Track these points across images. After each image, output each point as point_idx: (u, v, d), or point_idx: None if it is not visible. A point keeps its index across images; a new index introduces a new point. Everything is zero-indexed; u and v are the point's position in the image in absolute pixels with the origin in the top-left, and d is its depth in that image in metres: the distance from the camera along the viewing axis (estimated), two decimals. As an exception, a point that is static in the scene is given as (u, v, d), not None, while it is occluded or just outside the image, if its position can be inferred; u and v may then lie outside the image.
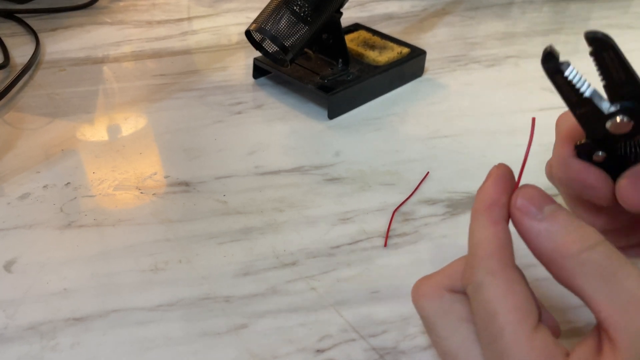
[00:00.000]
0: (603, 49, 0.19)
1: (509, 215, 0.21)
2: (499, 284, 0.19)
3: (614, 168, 0.22)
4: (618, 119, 0.20)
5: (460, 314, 0.21)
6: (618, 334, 0.18)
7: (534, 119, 0.21)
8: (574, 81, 0.20)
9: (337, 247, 0.33)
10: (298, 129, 0.44)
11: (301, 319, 0.29)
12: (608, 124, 0.21)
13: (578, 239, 0.19)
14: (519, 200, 0.21)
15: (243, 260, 0.32)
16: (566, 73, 0.20)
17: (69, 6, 0.62)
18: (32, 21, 0.58)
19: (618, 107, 0.20)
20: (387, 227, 0.35)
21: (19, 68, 0.49)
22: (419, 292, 0.23)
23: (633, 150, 0.21)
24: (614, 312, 0.18)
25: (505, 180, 0.22)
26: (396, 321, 0.29)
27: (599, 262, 0.19)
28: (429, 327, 0.22)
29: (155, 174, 0.39)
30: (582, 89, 0.20)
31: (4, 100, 0.46)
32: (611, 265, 0.19)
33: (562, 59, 0.20)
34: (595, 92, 0.20)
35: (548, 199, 0.21)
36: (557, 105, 0.47)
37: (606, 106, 0.20)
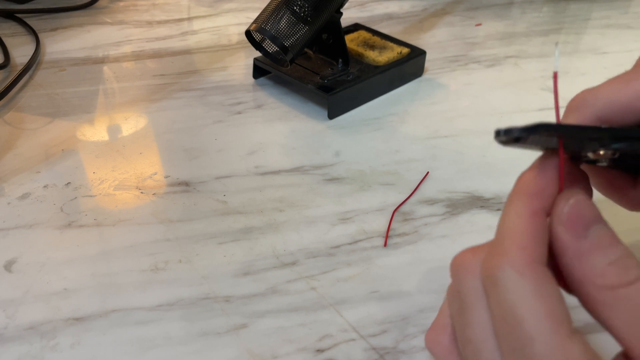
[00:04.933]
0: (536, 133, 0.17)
1: (550, 211, 0.18)
2: (526, 285, 0.17)
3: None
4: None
5: None
6: None
7: (555, 74, 0.19)
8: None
9: (337, 247, 0.33)
10: (298, 129, 0.44)
11: (301, 319, 0.29)
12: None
13: (619, 272, 0.17)
14: (567, 209, 0.18)
15: (243, 260, 0.32)
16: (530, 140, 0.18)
17: (69, 6, 0.62)
18: (33, 21, 0.58)
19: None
20: (387, 227, 0.35)
21: (19, 68, 0.49)
22: (463, 265, 0.20)
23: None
24: None
25: (555, 172, 0.19)
26: (396, 321, 0.29)
27: (637, 300, 0.17)
28: (460, 308, 0.19)
29: (155, 173, 0.39)
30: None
31: (4, 100, 0.46)
32: None
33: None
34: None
35: (597, 216, 0.18)
36: (557, 105, 0.47)
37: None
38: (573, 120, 0.21)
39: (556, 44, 0.20)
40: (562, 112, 0.21)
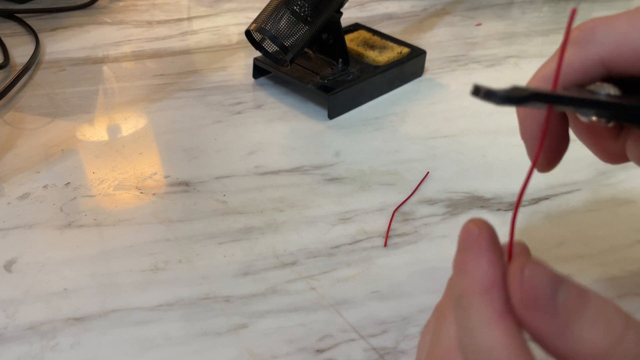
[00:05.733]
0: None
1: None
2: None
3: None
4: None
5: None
6: None
7: (574, 10, 0.15)
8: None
9: (337, 247, 0.33)
10: (298, 129, 0.44)
11: (301, 319, 0.29)
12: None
13: (605, 331, 0.15)
14: (525, 287, 0.16)
15: (243, 260, 0.32)
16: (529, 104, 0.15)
17: (69, 6, 0.62)
18: (32, 21, 0.58)
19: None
20: (387, 227, 0.35)
21: (19, 68, 0.49)
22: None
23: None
24: None
25: (497, 243, 0.17)
26: (396, 321, 0.29)
27: (633, 353, 0.15)
28: (460, 317, 0.17)
29: (155, 173, 0.39)
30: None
31: (4, 100, 0.46)
32: None
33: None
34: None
35: (555, 277, 0.16)
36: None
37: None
38: (573, 55, 0.18)
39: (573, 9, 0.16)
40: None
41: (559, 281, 0.16)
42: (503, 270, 0.17)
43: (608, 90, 0.17)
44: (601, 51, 0.17)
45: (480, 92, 0.15)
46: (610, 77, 0.17)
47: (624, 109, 0.16)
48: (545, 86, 0.18)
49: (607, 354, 0.15)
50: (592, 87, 0.17)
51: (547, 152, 0.21)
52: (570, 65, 0.18)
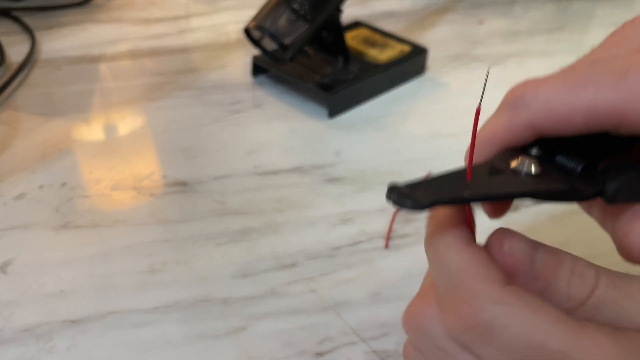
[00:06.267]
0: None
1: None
2: (521, 314, 0.16)
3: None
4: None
5: None
6: None
7: (478, 109, 0.18)
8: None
9: (338, 248, 0.33)
10: (298, 128, 0.44)
11: (301, 322, 0.29)
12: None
13: (581, 284, 0.17)
14: (507, 258, 0.17)
15: (242, 262, 0.32)
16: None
17: (65, 4, 0.61)
18: (28, 19, 0.58)
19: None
20: (388, 228, 0.34)
21: (15, 67, 0.49)
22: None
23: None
24: None
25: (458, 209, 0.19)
26: (397, 323, 0.29)
27: (606, 296, 0.17)
28: (432, 252, 0.19)
29: (152, 174, 0.39)
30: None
31: None
32: (619, 291, 0.17)
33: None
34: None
35: (532, 244, 0.18)
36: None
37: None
38: (504, 119, 0.19)
39: (487, 70, 0.18)
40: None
41: (535, 247, 0.17)
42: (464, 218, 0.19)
43: (529, 169, 0.17)
44: (530, 116, 0.18)
45: (391, 197, 0.16)
46: (541, 137, 0.19)
47: (535, 194, 0.17)
48: (487, 149, 0.20)
49: (585, 303, 0.17)
50: (516, 164, 0.18)
51: (493, 204, 0.23)
52: (503, 130, 0.19)
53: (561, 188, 0.17)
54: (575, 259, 0.18)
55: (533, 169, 0.18)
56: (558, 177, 0.18)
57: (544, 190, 0.17)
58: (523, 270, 0.17)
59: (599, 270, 0.18)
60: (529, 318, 0.16)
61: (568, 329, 0.16)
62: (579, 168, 0.18)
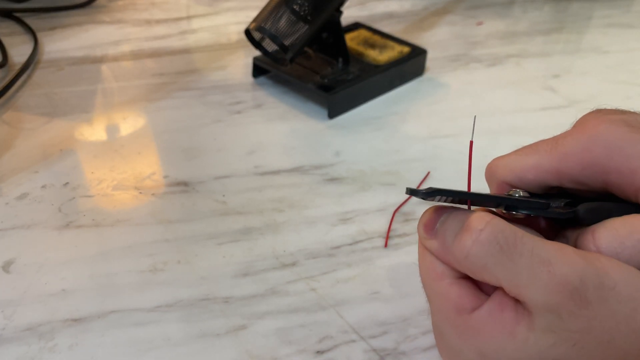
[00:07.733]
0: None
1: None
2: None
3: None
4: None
5: None
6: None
7: (471, 142, 0.22)
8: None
9: (337, 247, 0.33)
10: (298, 128, 0.44)
11: (301, 320, 0.29)
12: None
13: (467, 236, 0.20)
14: (420, 232, 0.22)
15: (242, 261, 0.32)
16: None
17: (68, 5, 0.62)
18: (31, 20, 0.58)
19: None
20: (387, 227, 0.35)
21: (17, 67, 0.49)
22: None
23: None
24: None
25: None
26: (397, 322, 0.29)
27: (488, 238, 0.20)
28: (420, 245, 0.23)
29: (154, 173, 0.39)
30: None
31: (2, 99, 0.46)
32: (505, 238, 0.20)
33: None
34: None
35: (438, 214, 0.22)
36: (558, 104, 0.47)
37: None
38: (489, 185, 0.25)
39: (474, 118, 0.25)
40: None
41: (441, 212, 0.22)
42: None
43: (519, 193, 0.23)
44: (499, 179, 0.24)
45: (407, 191, 0.21)
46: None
47: (526, 203, 0.22)
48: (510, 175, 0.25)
49: (470, 251, 0.20)
50: (510, 192, 0.24)
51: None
52: (490, 189, 0.25)
53: (542, 205, 0.22)
54: (463, 213, 0.22)
55: (522, 193, 0.23)
56: (541, 198, 0.23)
57: (526, 200, 0.22)
58: (430, 231, 0.22)
59: (492, 220, 0.21)
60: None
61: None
62: (562, 203, 0.22)
